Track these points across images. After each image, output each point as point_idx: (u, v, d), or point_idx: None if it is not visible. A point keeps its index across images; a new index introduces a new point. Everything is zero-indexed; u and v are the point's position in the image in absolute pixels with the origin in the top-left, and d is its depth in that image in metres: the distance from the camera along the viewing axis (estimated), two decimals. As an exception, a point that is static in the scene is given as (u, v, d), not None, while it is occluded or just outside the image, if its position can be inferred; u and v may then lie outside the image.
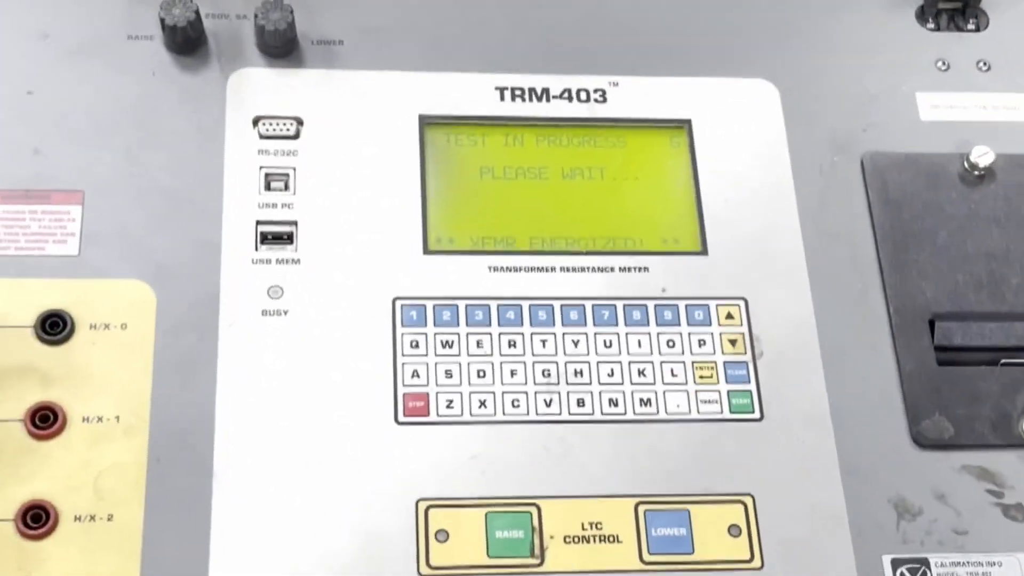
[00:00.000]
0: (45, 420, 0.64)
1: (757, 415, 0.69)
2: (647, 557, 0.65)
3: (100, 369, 0.66)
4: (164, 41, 0.75)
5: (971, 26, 0.82)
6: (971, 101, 0.79)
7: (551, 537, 0.65)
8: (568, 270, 0.72)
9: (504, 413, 0.67)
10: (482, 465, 0.66)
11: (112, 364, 0.66)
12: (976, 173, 0.76)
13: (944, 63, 0.80)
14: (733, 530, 0.66)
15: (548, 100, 0.76)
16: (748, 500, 0.66)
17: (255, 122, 0.74)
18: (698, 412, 0.69)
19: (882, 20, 0.81)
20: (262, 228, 0.71)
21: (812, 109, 0.78)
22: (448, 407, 0.67)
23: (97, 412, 0.65)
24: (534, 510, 0.65)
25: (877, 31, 0.81)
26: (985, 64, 0.80)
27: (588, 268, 0.72)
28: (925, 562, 0.66)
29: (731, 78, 0.78)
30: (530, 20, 0.79)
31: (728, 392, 0.69)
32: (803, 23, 0.81)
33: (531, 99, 0.76)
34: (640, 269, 0.72)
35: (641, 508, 0.66)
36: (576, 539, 0.65)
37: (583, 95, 0.77)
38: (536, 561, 0.64)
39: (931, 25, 0.81)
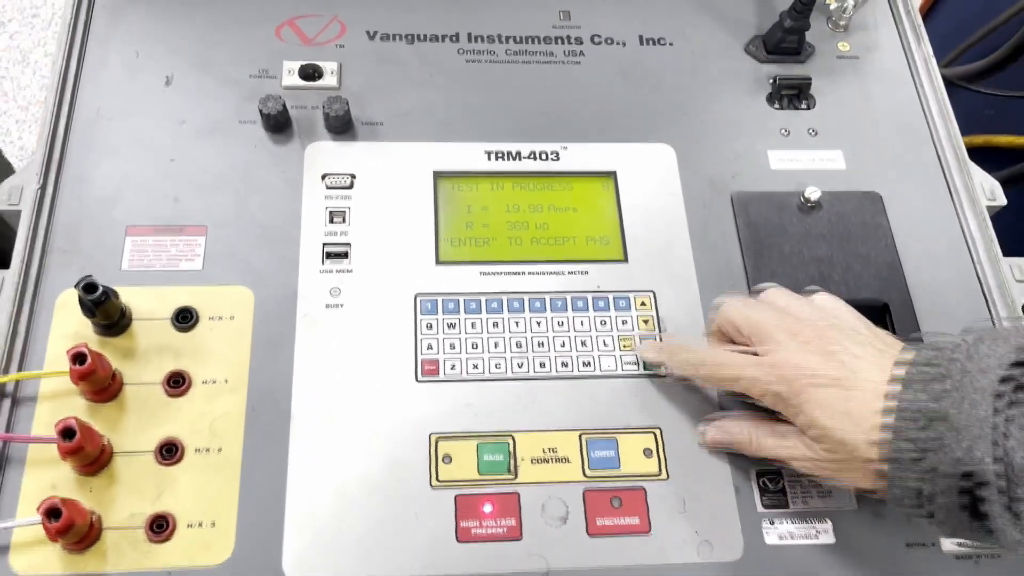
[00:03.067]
0: (176, 383, 0.56)
1: (663, 372, 0.59)
2: (588, 472, 0.56)
3: (215, 347, 0.57)
4: (263, 125, 0.66)
5: (804, 105, 0.72)
6: (804, 156, 0.69)
7: (522, 459, 0.56)
8: (534, 274, 0.62)
9: (490, 373, 0.58)
10: (475, 409, 0.57)
11: (224, 343, 0.58)
12: (809, 205, 0.66)
13: (786, 131, 0.70)
14: (647, 452, 0.56)
15: (520, 159, 0.67)
16: (657, 431, 0.57)
17: (323, 177, 0.64)
18: (622, 370, 0.59)
19: (744, 102, 0.72)
20: (327, 248, 0.62)
21: (697, 163, 0.68)
22: (452, 369, 0.58)
23: (212, 376, 0.57)
24: (510, 440, 0.56)
25: (741, 109, 0.71)
26: (813, 131, 0.71)
27: (547, 273, 0.63)
28: (779, 472, 0.57)
29: (643, 143, 0.69)
30: (508, 106, 0.70)
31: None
32: (691, 105, 0.71)
33: (509, 158, 0.67)
34: (582, 273, 0.63)
35: (584, 438, 0.57)
36: (539, 460, 0.56)
37: (543, 155, 0.67)
38: (511, 476, 0.55)
39: (776, 105, 0.72)
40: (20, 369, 0.55)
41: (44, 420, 0.54)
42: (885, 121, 0.72)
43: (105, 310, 0.55)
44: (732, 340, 0.56)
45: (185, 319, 0.58)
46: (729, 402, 0.58)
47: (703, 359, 0.55)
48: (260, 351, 0.57)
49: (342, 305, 0.60)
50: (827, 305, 0.56)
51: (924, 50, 0.75)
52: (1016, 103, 1.30)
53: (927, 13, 1.32)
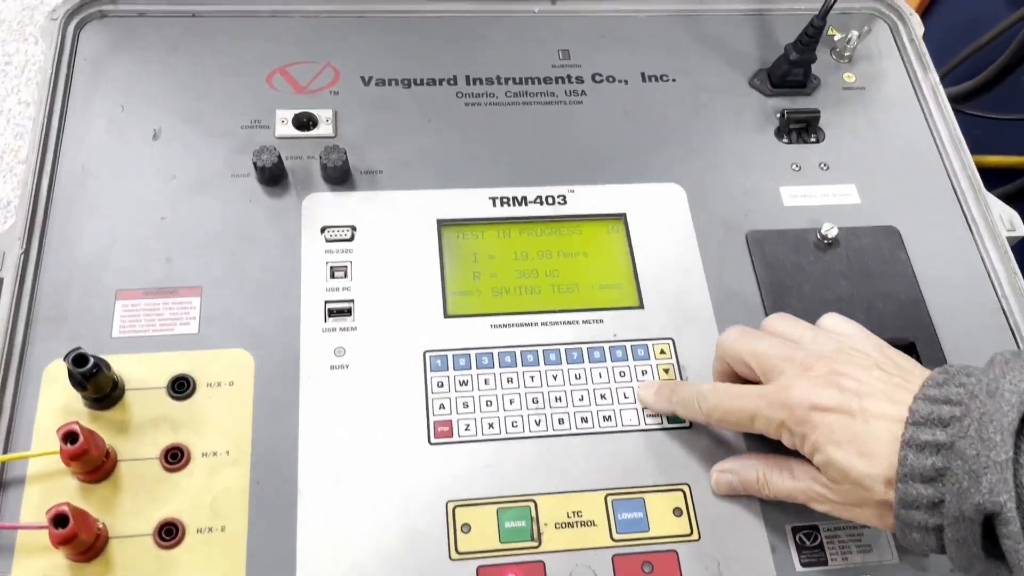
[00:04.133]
0: (175, 457, 0.53)
1: (687, 424, 0.57)
2: (616, 536, 0.53)
3: (215, 416, 0.55)
4: (257, 177, 0.63)
5: (813, 139, 0.71)
6: (817, 191, 0.68)
7: (546, 524, 0.53)
8: (547, 324, 0.60)
9: (507, 432, 0.56)
10: (493, 472, 0.55)
11: (223, 412, 0.55)
12: (826, 242, 0.65)
13: (797, 165, 0.69)
14: (676, 512, 0.54)
15: (526, 204, 0.65)
16: (685, 488, 0.55)
17: (322, 230, 0.62)
18: (645, 424, 0.57)
19: (752, 137, 0.70)
20: (329, 306, 0.59)
21: (709, 202, 0.67)
22: (466, 429, 0.56)
23: (213, 448, 0.54)
24: (532, 504, 0.54)
25: (749, 145, 0.70)
26: (825, 165, 0.69)
27: (560, 322, 0.60)
28: (815, 527, 0.54)
29: (652, 183, 0.67)
30: (511, 150, 0.68)
31: (665, 408, 0.57)
32: (698, 142, 0.70)
33: (514, 204, 0.65)
34: (597, 321, 0.60)
35: (609, 499, 0.54)
36: (564, 524, 0.53)
37: (550, 199, 0.65)
38: (535, 544, 0.52)
39: (785, 139, 0.70)
40: (6, 449, 0.52)
41: (34, 504, 0.50)
42: (896, 152, 0.71)
43: (96, 383, 0.52)
44: (739, 376, 0.54)
45: (182, 388, 0.55)
46: (758, 447, 0.56)
47: (705, 394, 0.52)
48: (262, 419, 0.55)
49: (347, 365, 0.57)
50: (838, 329, 0.53)
51: (931, 79, 0.74)
52: (1004, 123, 1.30)
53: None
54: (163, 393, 0.55)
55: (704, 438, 0.57)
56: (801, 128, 0.71)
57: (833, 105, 0.73)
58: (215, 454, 0.53)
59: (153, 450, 0.53)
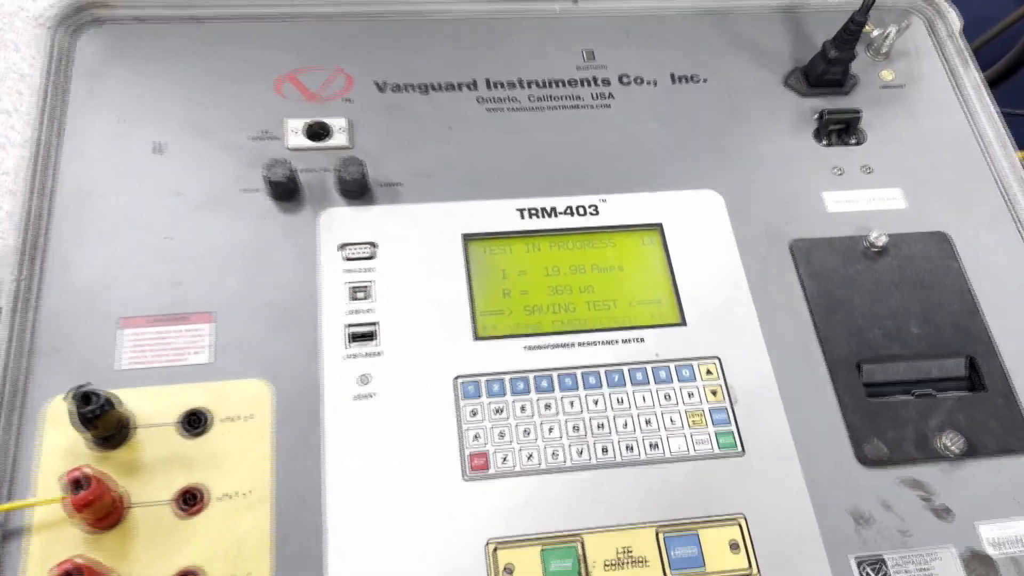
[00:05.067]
0: (190, 500, 0.49)
1: (739, 450, 0.54)
2: (670, 574, 0.49)
3: (232, 454, 0.51)
4: (268, 192, 0.59)
5: (853, 141, 0.67)
6: (862, 196, 0.65)
7: (594, 564, 0.49)
8: (584, 345, 0.56)
9: (547, 463, 0.52)
10: (534, 508, 0.51)
11: (242, 449, 0.51)
12: (874, 250, 0.61)
13: (839, 169, 0.66)
14: (733, 546, 0.50)
15: (556, 215, 0.61)
16: (742, 520, 0.51)
17: (340, 248, 0.58)
18: (694, 451, 0.53)
19: (790, 140, 0.67)
20: (351, 330, 0.55)
21: (749, 210, 0.63)
22: (504, 462, 0.52)
23: (232, 489, 0.50)
24: (579, 543, 0.50)
25: (787, 148, 0.67)
26: (867, 168, 0.66)
27: (599, 342, 0.57)
28: (881, 559, 0.51)
29: (688, 190, 0.64)
30: (537, 158, 0.64)
31: (715, 433, 0.54)
32: (733, 146, 0.66)
33: (543, 216, 0.61)
34: (638, 340, 0.57)
35: (661, 534, 0.50)
36: (613, 564, 0.50)
37: (581, 210, 0.62)
38: (585, 586, 0.48)
39: (825, 142, 0.67)
40: (8, 497, 0.48)
41: (37, 558, 0.46)
42: (940, 153, 0.68)
43: (104, 422, 0.48)
44: None
45: (195, 423, 0.51)
46: (822, 481, 0.52)
47: None
48: (284, 455, 0.51)
49: (373, 394, 0.53)
50: None
51: (973, 75, 0.71)
52: (1012, 118, 1.28)
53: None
54: (175, 430, 0.51)
55: (759, 465, 0.53)
56: (841, 129, 0.67)
57: (872, 105, 0.69)
58: (234, 495, 0.49)
59: (166, 493, 0.49)
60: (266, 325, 0.55)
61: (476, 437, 0.52)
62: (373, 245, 0.59)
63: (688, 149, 0.66)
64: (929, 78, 0.72)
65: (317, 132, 0.63)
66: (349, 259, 0.58)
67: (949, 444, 0.54)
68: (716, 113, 0.68)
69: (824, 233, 0.62)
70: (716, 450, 0.53)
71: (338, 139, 0.63)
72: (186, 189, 0.59)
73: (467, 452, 0.52)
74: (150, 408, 0.51)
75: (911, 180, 0.66)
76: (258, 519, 0.49)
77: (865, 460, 0.54)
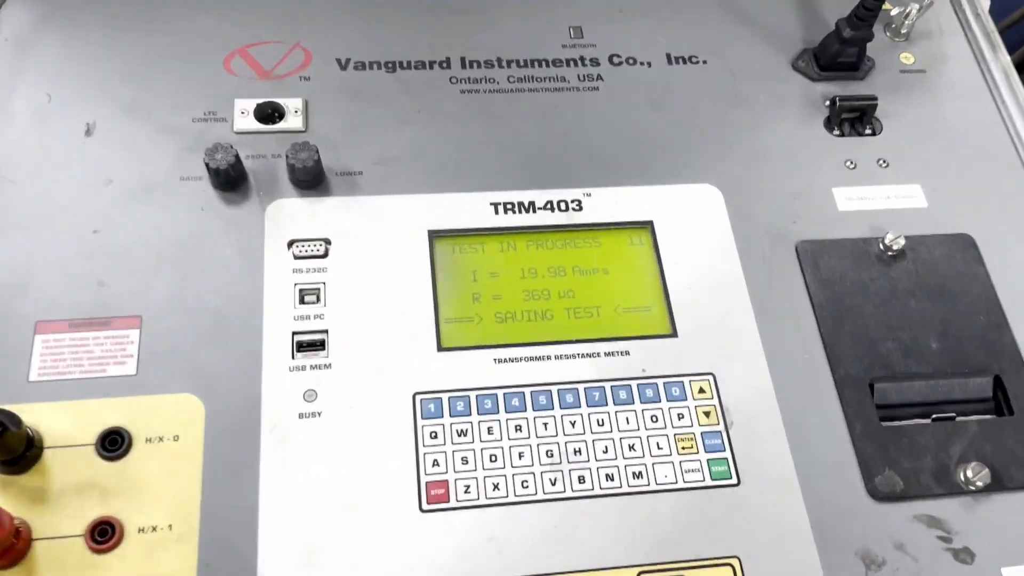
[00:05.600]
0: (104, 534, 0.43)
1: (734, 480, 0.48)
2: (652, 625, 0.43)
3: (155, 481, 0.45)
4: (211, 181, 0.53)
5: (868, 131, 0.61)
6: (877, 193, 0.59)
7: (565, 612, 0.43)
8: (561, 358, 0.50)
9: (515, 494, 0.46)
10: (499, 546, 0.45)
11: (165, 475, 0.45)
12: (890, 254, 0.55)
13: (851, 162, 0.60)
14: (725, 594, 0.44)
15: (534, 211, 0.55)
16: (735, 562, 0.45)
17: (289, 245, 0.52)
18: (683, 481, 0.47)
19: (798, 130, 0.61)
20: (298, 338, 0.49)
21: (750, 207, 0.57)
22: (466, 492, 0.46)
23: (152, 522, 0.44)
24: (548, 588, 0.44)
25: (795, 139, 0.60)
26: (883, 161, 0.60)
27: (579, 355, 0.51)
28: (894, 610, 0.45)
29: (683, 184, 0.57)
30: (516, 146, 0.58)
31: (707, 461, 0.48)
32: (735, 135, 0.60)
33: (520, 211, 0.55)
34: (622, 353, 0.51)
35: (643, 578, 0.44)
36: (587, 613, 0.43)
37: (562, 205, 0.55)
38: (554, 640, 0.42)
39: (837, 132, 0.61)
40: None
41: (-81, 602, 0.41)
42: (965, 146, 0.61)
43: (4, 444, 0.42)
44: None
45: (114, 444, 0.45)
46: (828, 517, 0.47)
47: None
48: (214, 483, 0.45)
49: (319, 413, 0.47)
50: None
51: (1002, 60, 0.65)
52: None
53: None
54: (91, 451, 0.45)
55: (757, 498, 0.47)
56: (855, 118, 0.61)
57: (890, 91, 0.63)
58: (154, 529, 0.43)
59: (77, 525, 0.43)
60: (200, 332, 0.49)
61: (435, 463, 0.46)
62: (326, 242, 0.52)
63: (684, 138, 0.59)
64: (954, 62, 0.65)
65: (269, 114, 0.57)
66: (299, 257, 0.52)
67: (972, 476, 0.48)
68: (716, 99, 0.61)
69: (834, 234, 0.56)
70: (708, 480, 0.47)
71: (292, 122, 0.56)
72: (118, 176, 0.53)
73: (425, 480, 0.46)
74: (64, 426, 0.45)
75: (932, 175, 0.60)
76: (182, 558, 0.43)
77: (877, 494, 0.48)
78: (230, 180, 0.53)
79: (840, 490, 0.48)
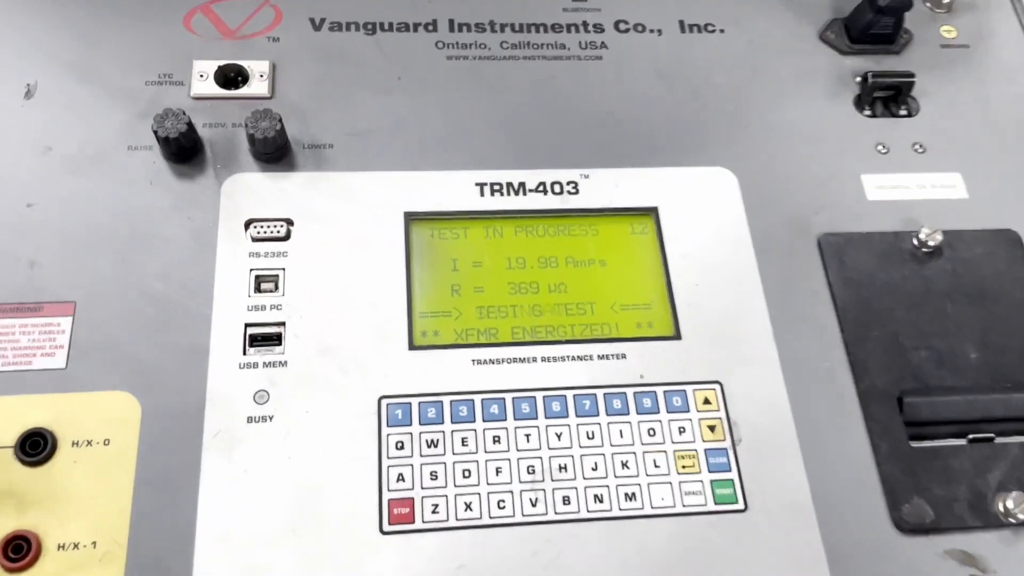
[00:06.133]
0: (19, 551, 0.38)
1: (741, 505, 0.42)
2: (641, 672, 0.38)
3: (80, 490, 0.40)
4: (162, 152, 0.48)
5: (903, 112, 0.55)
6: (911, 181, 0.53)
7: (542, 655, 0.38)
8: (549, 360, 0.45)
9: (490, 516, 0.41)
10: (470, 574, 0.39)
11: (92, 484, 0.40)
12: (925, 251, 0.49)
13: (883, 146, 0.54)
14: (726, 637, 0.39)
15: (524, 193, 0.49)
16: (740, 602, 0.40)
17: (247, 225, 0.47)
18: (683, 505, 0.42)
19: (824, 109, 0.55)
20: (251, 331, 0.44)
21: (768, 194, 0.51)
22: (434, 512, 0.41)
23: (73, 538, 0.39)
24: (524, 628, 0.38)
25: (821, 119, 0.55)
26: (920, 146, 0.54)
27: (568, 357, 0.45)
28: (919, 660, 0.39)
29: (692, 167, 0.52)
30: (506, 120, 0.52)
31: (711, 482, 0.43)
32: (754, 114, 0.54)
33: (509, 193, 0.49)
34: (618, 356, 0.45)
35: (633, 618, 0.39)
36: (567, 657, 0.38)
37: (556, 187, 0.50)
38: None
39: (868, 112, 0.55)
40: None
41: None
42: (1012, 131, 0.55)
43: (-99, 446, 0.37)
44: None
45: (36, 447, 0.40)
46: (847, 550, 0.41)
47: None
48: (148, 494, 0.40)
49: (271, 417, 0.42)
50: None
51: (1055, 35, 0.58)
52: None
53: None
54: (10, 455, 0.40)
55: (766, 526, 0.42)
56: (888, 97, 0.55)
57: (929, 67, 0.57)
58: (76, 546, 0.38)
59: (-13, 540, 0.38)
60: (140, 321, 0.44)
61: (400, 478, 0.41)
62: (288, 223, 0.47)
63: (696, 115, 0.54)
64: (1000, 37, 0.59)
65: (231, 77, 0.51)
66: (256, 239, 0.46)
67: (1012, 507, 0.43)
68: (733, 72, 0.55)
69: (862, 227, 0.51)
70: (711, 505, 0.42)
71: (256, 87, 0.51)
72: (59, 143, 0.48)
73: (387, 497, 0.41)
74: (-20, 426, 0.40)
75: (974, 163, 0.54)
76: (104, 580, 0.38)
77: (903, 524, 0.42)
78: (182, 151, 0.48)
79: (862, 519, 0.42)
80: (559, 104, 0.53)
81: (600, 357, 0.45)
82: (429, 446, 0.42)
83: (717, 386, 0.45)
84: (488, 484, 0.41)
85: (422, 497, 0.41)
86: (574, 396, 0.44)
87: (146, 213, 0.46)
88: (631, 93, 0.54)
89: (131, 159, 0.48)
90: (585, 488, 0.42)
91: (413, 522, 0.40)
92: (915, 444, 0.44)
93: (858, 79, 0.55)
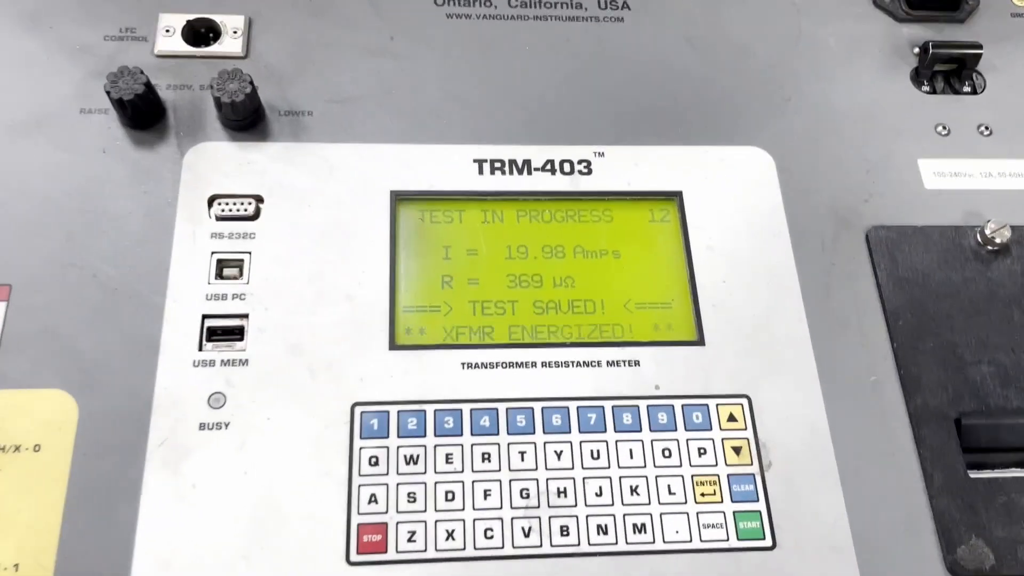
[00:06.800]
0: (-75, 574, 0.33)
1: (768, 542, 0.36)
2: None
3: (2, 504, 0.35)
4: (119, 117, 0.43)
5: (967, 89, 0.49)
6: (975, 168, 0.46)
7: None
8: (550, 365, 0.39)
9: (476, 547, 0.36)
10: (449, 617, 0.34)
11: (17, 497, 0.35)
12: (990, 248, 0.43)
13: (944, 127, 0.47)
14: None
15: (529, 173, 0.44)
16: (765, 656, 0.34)
17: (211, 202, 0.41)
18: (700, 540, 0.36)
19: (878, 84, 0.49)
20: (209, 323, 0.39)
21: (810, 179, 0.45)
22: (410, 541, 0.35)
23: (-8, 559, 0.33)
24: None
25: (873, 96, 0.48)
26: (986, 128, 0.48)
27: (572, 363, 0.40)
28: None
29: (724, 146, 0.46)
30: (510, 88, 0.47)
31: (734, 514, 0.37)
32: (796, 89, 0.48)
33: (511, 172, 0.44)
34: (631, 363, 0.40)
35: (640, 674, 0.34)
36: None
37: (567, 167, 0.44)
38: None
39: (927, 88, 0.49)
40: None
41: None
42: (1092, 113, 0.49)
43: None
44: None
45: (-46, 453, 0.35)
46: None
47: None
48: (80, 510, 0.35)
49: (227, 424, 0.37)
50: None
51: None
52: None
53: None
54: (-75, 461, 0.35)
55: (797, 566, 0.36)
56: (951, 71, 0.49)
57: (997, 38, 0.51)
58: (-5, 570, 0.34)
59: None
60: (83, 309, 0.38)
61: (373, 499, 0.36)
62: (258, 200, 0.42)
63: (730, 87, 0.48)
64: (1081, 5, 0.52)
65: (201, 33, 0.46)
66: (221, 218, 0.41)
67: (1089, 553, 0.37)
68: (774, 39, 0.49)
69: (918, 219, 0.45)
70: (733, 540, 0.36)
71: (229, 45, 0.45)
72: (3, 104, 0.43)
73: (357, 522, 0.36)
74: None
75: (1048, 149, 0.47)
76: (23, 611, 0.33)
77: (959, 569, 0.36)
78: (140, 115, 0.42)
79: (910, 562, 0.37)
80: (572, 71, 0.47)
81: (610, 364, 0.40)
82: (408, 462, 0.37)
83: (744, 401, 0.39)
84: (475, 509, 0.36)
85: (397, 522, 0.36)
86: (578, 408, 0.39)
87: (96, 185, 0.41)
88: (656, 60, 0.48)
89: (83, 124, 0.43)
90: (587, 517, 0.36)
91: (385, 551, 0.35)
92: (974, 475, 0.39)
93: (916, 50, 0.49)
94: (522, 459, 0.37)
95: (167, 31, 0.45)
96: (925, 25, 0.50)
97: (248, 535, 0.35)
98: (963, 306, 0.42)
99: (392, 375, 0.38)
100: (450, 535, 0.36)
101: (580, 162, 0.44)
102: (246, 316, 0.39)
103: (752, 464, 0.38)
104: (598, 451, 0.38)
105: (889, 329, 0.41)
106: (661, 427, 0.38)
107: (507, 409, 0.38)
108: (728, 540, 0.36)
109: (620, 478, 0.37)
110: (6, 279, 0.39)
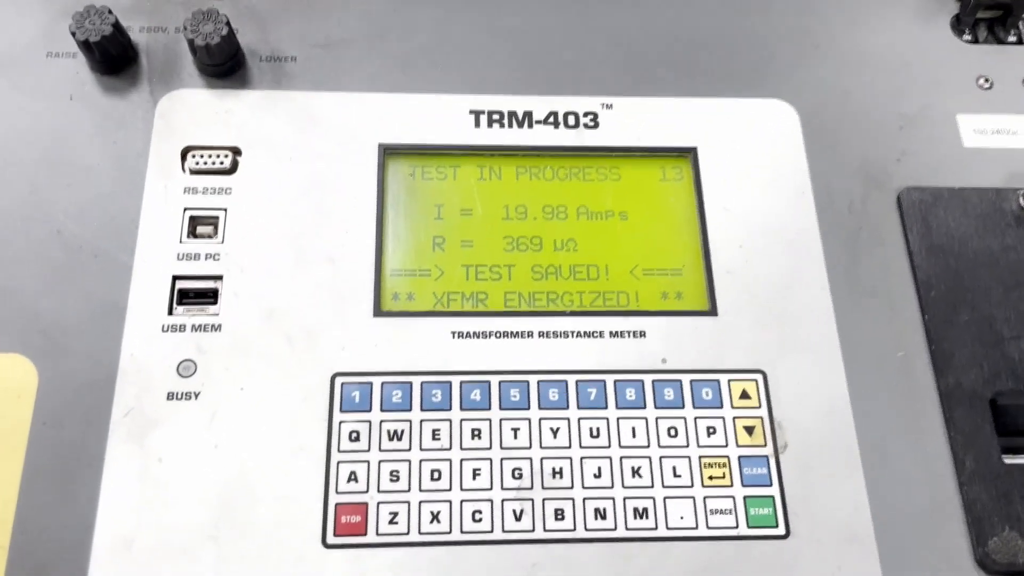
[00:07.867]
0: None
1: (782, 530, 0.34)
2: None
3: (-46, 476, 0.32)
4: (87, 62, 0.40)
5: (1013, 38, 0.45)
6: (1020, 125, 0.43)
7: None
8: (548, 336, 0.37)
9: (463, 530, 0.33)
10: (432, 604, 0.32)
11: (-30, 469, 0.33)
12: (1034, 212, 0.40)
13: (987, 80, 0.44)
14: None
15: (530, 126, 0.41)
16: (775, 653, 0.32)
17: (184, 154, 0.39)
18: (707, 527, 0.34)
19: (914, 32, 0.45)
20: (180, 284, 0.37)
21: (838, 135, 0.42)
22: (392, 522, 0.33)
23: (-58, 535, 0.32)
24: (497, 677, 0.31)
25: (909, 44, 0.45)
26: (1033, 82, 0.44)
27: (572, 333, 0.37)
28: None
29: (743, 99, 0.43)
30: (511, 33, 0.44)
31: (745, 499, 0.34)
32: (825, 36, 0.45)
33: (511, 125, 0.41)
34: (635, 334, 0.37)
35: (638, 671, 0.31)
36: None
37: (571, 119, 0.41)
38: None
39: (968, 37, 0.45)
40: None
41: None
42: None
43: None
44: None
45: (-96, 421, 0.33)
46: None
47: None
48: (38, 485, 0.33)
49: (197, 394, 0.35)
50: None
51: None
52: None
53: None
54: None
55: (812, 556, 0.34)
56: (996, 18, 0.46)
57: (1048, -17, 0.46)
58: (-55, 546, 0.32)
59: None
60: (44, 268, 0.36)
61: (353, 477, 0.34)
62: (235, 152, 0.39)
63: (750, 33, 0.45)
64: None
65: (176, -28, 0.43)
66: (195, 172, 0.39)
67: None
68: (800, -19, 0.46)
69: (955, 180, 0.41)
70: (744, 528, 0.34)
71: (206, -16, 0.43)
72: (-39, 47, 0.40)
73: (334, 502, 0.33)
74: None
75: (1101, 105, 0.44)
76: (-25, 590, 0.31)
77: (990, 564, 0.34)
78: (110, 59, 0.40)
79: (936, 555, 0.34)
80: (578, 15, 0.44)
81: (613, 334, 0.37)
82: (391, 438, 0.35)
83: (759, 376, 0.37)
84: (462, 490, 0.34)
85: (378, 503, 0.33)
86: (577, 382, 0.36)
87: (62, 135, 0.39)
88: (670, 2, 0.45)
89: (49, 68, 0.40)
90: (584, 500, 0.34)
91: (365, 534, 0.33)
92: (1010, 460, 0.36)
93: (958, -5, 0.46)
94: (515, 436, 0.35)
95: (140, -32, 0.43)
96: (969, -33, 0.47)
97: (217, 514, 0.33)
98: (1002, 276, 0.39)
99: (376, 344, 0.36)
100: (435, 517, 0.33)
101: (586, 114, 0.41)
102: (220, 278, 0.37)
103: (766, 445, 0.35)
104: (598, 429, 0.35)
105: (920, 300, 0.38)
106: (667, 404, 0.36)
107: (500, 382, 0.36)
108: (737, 527, 0.34)
109: (621, 458, 0.35)
110: (-38, 235, 0.37)
